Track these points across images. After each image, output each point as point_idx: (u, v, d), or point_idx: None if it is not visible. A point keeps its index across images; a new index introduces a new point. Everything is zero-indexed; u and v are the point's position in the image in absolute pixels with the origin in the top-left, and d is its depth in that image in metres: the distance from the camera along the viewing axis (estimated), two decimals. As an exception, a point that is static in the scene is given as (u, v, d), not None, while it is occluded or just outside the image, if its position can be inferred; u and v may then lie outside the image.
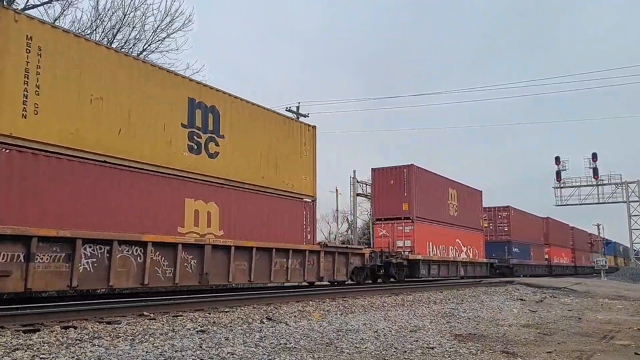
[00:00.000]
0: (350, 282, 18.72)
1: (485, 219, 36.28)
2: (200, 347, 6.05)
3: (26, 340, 6.06)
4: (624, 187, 49.72)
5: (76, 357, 5.29)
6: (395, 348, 6.51)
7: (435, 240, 25.10)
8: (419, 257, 23.12)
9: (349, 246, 19.62)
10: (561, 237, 50.05)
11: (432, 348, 6.58)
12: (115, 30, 19.70)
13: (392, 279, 21.80)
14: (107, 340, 6.25)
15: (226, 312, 9.52)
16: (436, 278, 26.06)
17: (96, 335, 6.61)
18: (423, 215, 24.15)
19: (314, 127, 17.30)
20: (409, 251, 22.78)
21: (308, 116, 33.36)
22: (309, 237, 16.61)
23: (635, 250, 53.39)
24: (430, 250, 24.61)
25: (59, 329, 6.92)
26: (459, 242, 27.77)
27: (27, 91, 9.61)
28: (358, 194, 31.36)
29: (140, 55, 20.17)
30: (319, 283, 18.41)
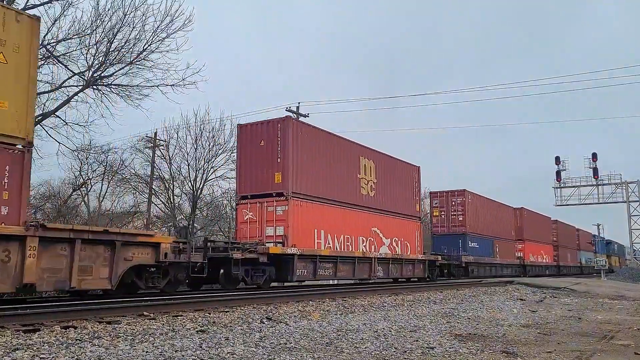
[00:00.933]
0: (143, 289, 12.12)
1: (437, 206, 31.16)
2: (200, 347, 6.05)
3: (26, 340, 6.06)
4: (624, 187, 49.78)
5: (76, 357, 5.29)
6: (395, 348, 6.51)
7: (332, 229, 17.66)
8: (294, 250, 15.67)
9: (117, 230, 11.36)
10: (540, 232, 42.46)
11: (432, 348, 6.58)
12: (115, 30, 19.67)
13: (243, 283, 15.12)
14: (107, 340, 6.25)
15: (226, 312, 9.52)
16: (329, 282, 20.79)
17: (96, 335, 6.60)
18: (307, 191, 16.77)
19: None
20: (280, 242, 15.65)
21: (308, 116, 33.35)
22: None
23: (634, 250, 53.27)
24: (323, 241, 17.23)
25: (59, 329, 6.92)
26: (378, 232, 20.41)
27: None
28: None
29: (140, 55, 20.19)
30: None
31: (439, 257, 25.80)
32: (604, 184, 50.12)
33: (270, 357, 5.67)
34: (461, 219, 30.34)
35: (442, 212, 31.07)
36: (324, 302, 12.10)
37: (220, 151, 31.02)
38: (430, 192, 33.43)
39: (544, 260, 43.07)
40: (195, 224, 32.15)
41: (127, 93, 20.57)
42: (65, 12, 18.95)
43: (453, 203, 30.73)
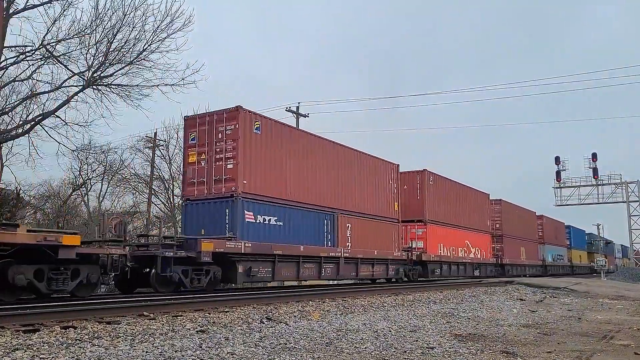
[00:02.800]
0: None
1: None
2: (200, 347, 6.05)
3: (26, 340, 6.06)
4: (623, 187, 49.71)
5: (76, 357, 5.29)
6: (395, 348, 6.51)
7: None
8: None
9: None
10: (473, 215, 29.11)
11: (432, 348, 6.58)
12: (115, 30, 19.66)
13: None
14: (107, 340, 6.25)
15: (226, 312, 9.52)
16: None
17: (96, 335, 6.60)
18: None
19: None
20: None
21: (308, 116, 33.36)
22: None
23: (635, 250, 53.24)
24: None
25: (59, 329, 6.91)
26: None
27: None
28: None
29: (140, 55, 20.19)
30: None
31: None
32: (603, 184, 50.06)
33: (270, 357, 5.67)
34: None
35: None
36: (324, 302, 12.10)
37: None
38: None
39: (473, 256, 28.69)
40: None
41: (127, 93, 20.56)
42: (65, 12, 18.96)
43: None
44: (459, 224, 27.16)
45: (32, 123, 19.99)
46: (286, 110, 32.97)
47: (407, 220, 23.24)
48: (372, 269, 20.04)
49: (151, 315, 8.51)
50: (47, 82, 20.16)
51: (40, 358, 5.20)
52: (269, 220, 15.31)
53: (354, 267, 18.94)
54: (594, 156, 49.15)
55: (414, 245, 22.93)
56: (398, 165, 22.64)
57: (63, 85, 20.22)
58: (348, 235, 18.67)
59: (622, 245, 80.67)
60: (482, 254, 29.73)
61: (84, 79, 19.96)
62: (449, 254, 25.61)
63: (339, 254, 17.90)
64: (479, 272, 28.74)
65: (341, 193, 18.62)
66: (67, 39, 19.24)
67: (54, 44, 19.13)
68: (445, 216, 25.77)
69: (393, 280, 21.91)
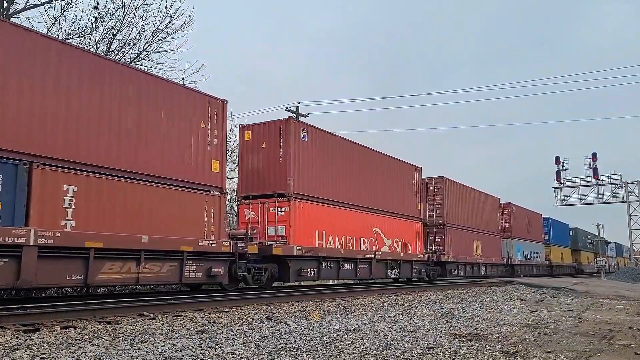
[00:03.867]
0: None
1: None
2: (200, 347, 6.05)
3: (26, 340, 6.06)
4: (624, 187, 49.70)
5: (76, 357, 5.29)
6: (395, 348, 6.51)
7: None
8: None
9: None
10: (390, 194, 21.46)
11: (432, 348, 6.58)
12: (115, 30, 19.65)
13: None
14: (107, 340, 6.25)
15: (226, 312, 9.52)
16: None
17: (96, 335, 6.61)
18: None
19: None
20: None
21: (308, 116, 33.33)
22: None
23: (635, 250, 53.20)
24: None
25: (59, 329, 6.92)
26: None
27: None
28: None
29: (141, 55, 20.15)
30: None
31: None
32: (604, 184, 50.05)
33: (270, 357, 5.67)
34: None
35: None
36: (324, 302, 12.10)
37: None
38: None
39: (383, 250, 21.09)
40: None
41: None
42: (65, 12, 18.95)
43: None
44: (361, 205, 19.10)
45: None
46: (286, 109, 32.95)
47: (260, 195, 16.32)
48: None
49: (151, 315, 8.51)
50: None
51: (41, 358, 5.20)
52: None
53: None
54: (594, 156, 49.15)
55: (272, 233, 15.84)
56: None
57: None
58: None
59: (616, 243, 74.98)
60: (407, 247, 21.92)
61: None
62: (337, 246, 17.60)
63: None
64: (398, 273, 21.03)
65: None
66: (67, 39, 19.25)
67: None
68: (332, 190, 17.67)
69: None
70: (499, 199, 32.59)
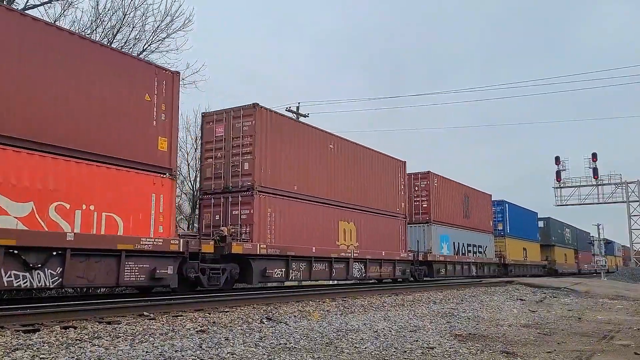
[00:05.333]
0: None
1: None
2: (200, 347, 6.05)
3: (26, 340, 6.06)
4: (624, 187, 49.73)
5: (76, 357, 5.29)
6: (395, 348, 6.51)
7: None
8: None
9: None
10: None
11: (432, 348, 6.57)
12: (115, 30, 19.68)
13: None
14: (107, 340, 6.25)
15: (226, 312, 9.52)
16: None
17: (96, 335, 6.61)
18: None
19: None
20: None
21: (308, 116, 33.32)
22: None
23: (635, 250, 53.17)
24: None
25: (59, 329, 6.92)
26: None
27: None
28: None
29: (141, 55, 20.17)
30: None
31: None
32: (604, 184, 50.08)
33: (270, 357, 5.67)
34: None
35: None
36: (323, 302, 12.10)
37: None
38: None
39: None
40: (195, 224, 31.90)
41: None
42: (65, 12, 18.95)
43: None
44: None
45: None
46: (286, 110, 32.94)
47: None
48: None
49: (151, 315, 8.51)
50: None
51: (41, 358, 5.20)
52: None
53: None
54: (594, 156, 49.17)
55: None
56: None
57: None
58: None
59: (606, 239, 67.90)
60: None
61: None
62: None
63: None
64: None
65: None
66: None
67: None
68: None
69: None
70: (404, 162, 22.65)
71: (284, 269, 15.14)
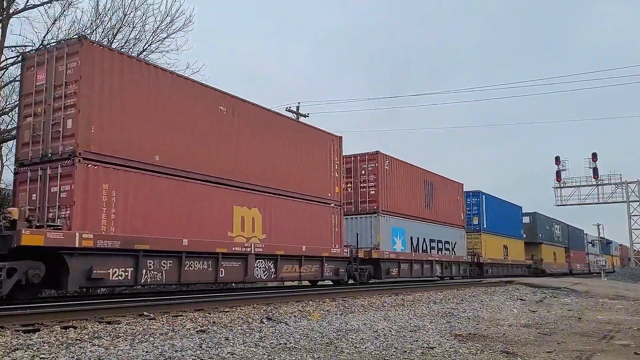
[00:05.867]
0: None
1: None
2: (200, 347, 6.05)
3: (26, 340, 6.06)
4: (624, 187, 49.75)
5: (76, 357, 5.29)
6: (395, 348, 6.51)
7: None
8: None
9: None
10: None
11: (432, 348, 6.57)
12: (115, 31, 19.69)
13: None
14: (107, 340, 6.25)
15: (226, 312, 9.52)
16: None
17: (96, 335, 6.61)
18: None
19: None
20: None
21: (308, 116, 33.32)
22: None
23: (635, 250, 53.18)
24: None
25: (59, 329, 6.92)
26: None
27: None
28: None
29: (141, 55, 20.18)
30: None
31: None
32: (604, 184, 50.10)
33: (270, 357, 5.67)
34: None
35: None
36: (323, 302, 12.10)
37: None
38: None
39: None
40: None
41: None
42: (65, 12, 18.94)
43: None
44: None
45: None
46: (286, 109, 32.94)
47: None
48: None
49: (151, 315, 8.51)
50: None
51: (41, 358, 5.20)
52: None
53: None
54: (594, 156, 49.19)
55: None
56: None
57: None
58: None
59: (601, 237, 66.24)
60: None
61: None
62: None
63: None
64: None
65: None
66: (67, 39, 19.24)
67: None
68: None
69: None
70: (339, 138, 18.40)
71: (130, 269, 10.91)
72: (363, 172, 20.65)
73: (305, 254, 15.73)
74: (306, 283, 19.46)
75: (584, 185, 50.45)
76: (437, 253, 24.49)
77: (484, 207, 30.80)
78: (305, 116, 33.12)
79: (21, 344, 5.83)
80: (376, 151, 20.77)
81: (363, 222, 20.22)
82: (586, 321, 10.30)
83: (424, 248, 23.40)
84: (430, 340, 7.20)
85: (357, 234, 19.27)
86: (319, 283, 18.82)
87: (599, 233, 69.58)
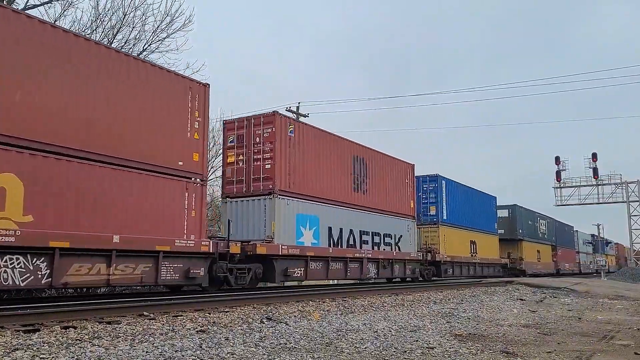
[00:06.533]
0: None
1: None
2: (200, 347, 6.05)
3: (26, 340, 6.06)
4: (624, 187, 49.71)
5: (76, 357, 5.29)
6: (395, 348, 6.51)
7: None
8: None
9: None
10: None
11: (432, 348, 6.57)
12: (115, 30, 19.70)
13: None
14: (107, 340, 6.25)
15: (226, 312, 9.52)
16: None
17: (96, 335, 6.60)
18: None
19: None
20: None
21: (308, 116, 33.32)
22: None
23: (635, 250, 53.15)
24: None
25: (59, 329, 6.92)
26: None
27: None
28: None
29: (141, 55, 20.19)
30: None
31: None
32: (604, 184, 50.05)
33: (270, 357, 5.67)
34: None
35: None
36: (324, 302, 12.10)
37: (220, 152, 30.74)
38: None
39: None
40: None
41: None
42: (65, 12, 18.94)
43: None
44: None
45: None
46: (286, 109, 32.94)
47: None
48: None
49: (151, 315, 8.51)
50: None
51: (41, 358, 5.20)
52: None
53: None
54: (594, 156, 49.15)
55: None
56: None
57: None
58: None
59: (593, 235, 60.69)
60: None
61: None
62: None
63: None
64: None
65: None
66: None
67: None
68: None
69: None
70: (206, 86, 13.05)
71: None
72: (257, 140, 15.63)
73: (119, 247, 10.46)
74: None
75: (584, 186, 50.42)
76: (372, 249, 19.22)
77: (444, 195, 25.03)
78: (305, 116, 33.13)
79: (21, 344, 5.83)
80: (273, 112, 15.61)
81: (256, 207, 15.35)
82: (586, 321, 10.30)
83: (351, 242, 18.17)
84: (430, 340, 7.20)
85: (229, 220, 14.54)
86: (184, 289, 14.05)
87: (598, 233, 69.30)
